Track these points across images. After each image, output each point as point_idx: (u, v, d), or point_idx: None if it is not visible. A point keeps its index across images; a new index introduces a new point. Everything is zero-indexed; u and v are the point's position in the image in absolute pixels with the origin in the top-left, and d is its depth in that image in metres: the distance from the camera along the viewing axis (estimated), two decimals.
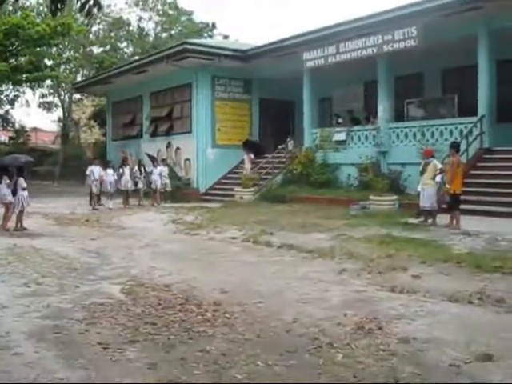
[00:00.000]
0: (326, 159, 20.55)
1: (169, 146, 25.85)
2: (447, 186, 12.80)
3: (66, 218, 16.09)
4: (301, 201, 18.39)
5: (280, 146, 22.55)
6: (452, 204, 12.74)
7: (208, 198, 21.97)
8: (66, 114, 42.90)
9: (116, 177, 20.40)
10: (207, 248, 11.09)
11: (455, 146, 13.31)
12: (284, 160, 21.71)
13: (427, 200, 13.15)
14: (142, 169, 21.61)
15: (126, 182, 20.45)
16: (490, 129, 16.14)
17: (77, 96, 43.36)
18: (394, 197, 15.96)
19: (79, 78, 39.41)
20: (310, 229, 13.15)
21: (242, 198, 19.54)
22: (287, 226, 13.62)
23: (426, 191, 13.22)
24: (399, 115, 19.97)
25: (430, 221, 13.25)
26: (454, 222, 12.58)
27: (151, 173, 21.03)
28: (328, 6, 77.07)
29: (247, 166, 22.38)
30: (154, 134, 26.99)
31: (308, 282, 7.90)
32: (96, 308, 6.52)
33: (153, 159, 23.38)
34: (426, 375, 4.52)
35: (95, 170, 19.80)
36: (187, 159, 24.16)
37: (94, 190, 19.71)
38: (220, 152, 23.47)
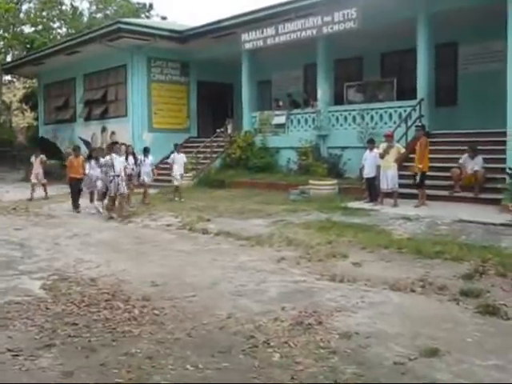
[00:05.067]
0: (265, 143, 20.19)
1: (104, 130, 24.87)
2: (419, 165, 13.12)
3: None
4: (240, 186, 17.97)
5: (218, 130, 22.03)
6: (421, 182, 13.07)
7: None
8: None
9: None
10: (140, 237, 10.53)
11: (422, 129, 14.07)
12: (223, 144, 21.21)
13: (391, 181, 13.30)
14: (132, 159, 15.44)
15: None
16: (428, 112, 16.07)
17: (7, 78, 41.42)
18: (334, 181, 15.73)
19: (9, 59, 37.60)
20: (248, 215, 12.77)
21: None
22: (225, 212, 13.20)
23: (390, 173, 13.29)
24: (339, 99, 19.78)
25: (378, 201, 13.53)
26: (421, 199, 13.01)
27: (141, 164, 15.81)
28: None
29: (36, 171, 17.83)
30: (88, 118, 25.91)
31: (245, 273, 7.49)
32: (10, 308, 5.91)
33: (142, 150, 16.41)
34: (369, 375, 4.17)
35: (117, 161, 13.43)
36: (123, 144, 23.29)
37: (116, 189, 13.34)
38: (157, 136, 22.67)
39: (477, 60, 17.55)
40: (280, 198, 15.08)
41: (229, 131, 21.78)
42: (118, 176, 13.24)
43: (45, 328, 5.27)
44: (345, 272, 7.36)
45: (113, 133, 24.17)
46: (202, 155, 20.76)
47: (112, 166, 13.25)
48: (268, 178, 18.35)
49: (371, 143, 14.09)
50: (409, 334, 5.07)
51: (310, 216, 12.31)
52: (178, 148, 16.72)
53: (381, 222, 11.33)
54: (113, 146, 14.32)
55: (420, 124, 14.85)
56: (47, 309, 5.87)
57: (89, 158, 14.50)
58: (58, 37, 40.04)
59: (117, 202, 13.38)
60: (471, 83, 17.43)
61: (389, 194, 13.48)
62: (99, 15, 43.17)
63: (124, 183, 13.44)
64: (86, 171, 14.49)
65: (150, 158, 16.41)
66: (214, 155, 20.85)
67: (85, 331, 5.17)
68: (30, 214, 13.94)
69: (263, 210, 13.31)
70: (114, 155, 13.46)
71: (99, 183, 14.06)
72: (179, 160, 16.52)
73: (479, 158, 13.38)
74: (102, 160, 13.98)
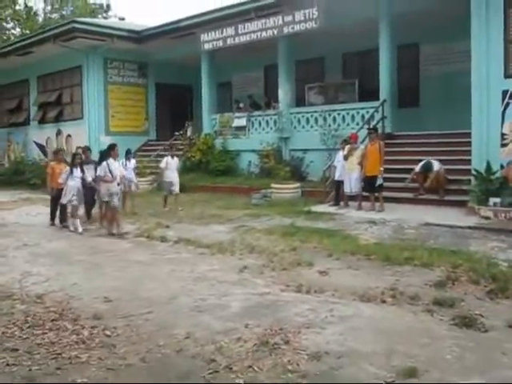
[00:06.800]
0: (225, 146, 19.73)
1: (59, 133, 24.09)
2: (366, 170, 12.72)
3: None
4: (200, 190, 17.50)
5: (177, 133, 21.49)
6: (379, 186, 12.66)
7: None
8: None
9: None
10: (95, 246, 9.95)
11: (376, 131, 13.73)
12: (182, 147, 20.68)
13: (355, 184, 12.95)
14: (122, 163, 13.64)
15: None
16: (391, 114, 15.85)
17: None
18: (297, 184, 15.38)
19: None
20: (209, 220, 12.31)
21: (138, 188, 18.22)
22: (185, 218, 12.72)
23: (354, 176, 12.95)
24: (300, 100, 19.47)
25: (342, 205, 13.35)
26: (378, 204, 12.65)
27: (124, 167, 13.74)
28: None
29: None
30: (42, 121, 25.05)
31: (205, 284, 7.01)
32: None
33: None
34: None
35: (114, 167, 11.66)
36: (79, 147, 22.50)
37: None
38: (114, 140, 21.55)
39: (438, 61, 17.45)
40: (241, 203, 14.66)
41: (188, 134, 21.27)
42: (118, 185, 11.59)
43: None
44: (311, 282, 6.95)
45: (68, 136, 23.46)
46: (161, 158, 20.13)
47: (110, 172, 11.33)
48: (229, 181, 17.92)
49: (344, 143, 13.70)
50: (383, 351, 4.68)
51: (272, 221, 11.91)
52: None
53: (346, 226, 11.00)
54: (110, 151, 11.78)
55: (372, 127, 14.47)
56: None
57: (71, 165, 12.12)
58: (12, 37, 38.87)
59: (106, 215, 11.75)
60: (433, 84, 17.35)
61: (352, 197, 13.20)
62: (55, 15, 42.14)
63: (119, 194, 11.89)
64: (60, 181, 11.94)
65: (133, 162, 14.75)
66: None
67: (26, 358, 4.62)
68: None
69: (224, 215, 12.86)
70: (111, 160, 11.52)
71: (75, 197, 11.85)
72: (173, 165, 14.91)
73: (436, 164, 13.15)
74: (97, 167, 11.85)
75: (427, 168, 13.13)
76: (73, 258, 8.95)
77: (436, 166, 13.04)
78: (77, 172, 11.90)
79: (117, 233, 11.06)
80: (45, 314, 5.80)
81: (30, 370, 4.40)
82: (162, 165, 14.97)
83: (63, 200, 11.96)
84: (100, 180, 11.54)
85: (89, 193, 12.29)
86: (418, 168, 13.25)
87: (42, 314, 5.80)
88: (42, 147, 25.03)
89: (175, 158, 15.23)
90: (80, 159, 12.27)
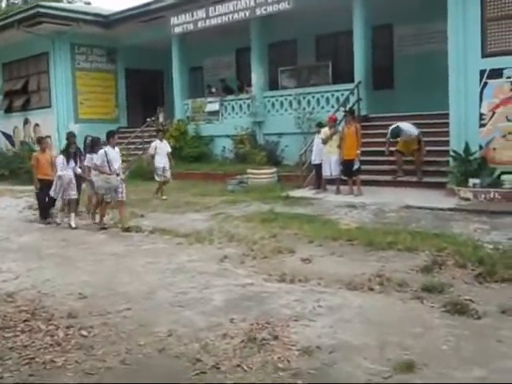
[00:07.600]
0: (198, 131, 19.36)
1: (26, 122, 23.42)
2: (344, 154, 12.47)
3: None
4: (174, 177, 17.05)
5: (149, 119, 21.02)
6: (357, 170, 12.43)
7: None
8: None
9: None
10: (68, 239, 9.56)
11: (353, 113, 13.38)
12: (154, 134, 20.20)
13: (335, 168, 12.66)
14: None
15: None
16: (366, 96, 15.63)
17: None
18: (273, 169, 15.12)
19: None
20: (185, 208, 12.01)
21: None
22: (160, 207, 12.41)
23: (334, 159, 12.65)
24: (273, 84, 19.12)
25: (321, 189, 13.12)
26: (356, 187, 12.41)
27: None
28: None
29: None
30: (8, 110, 24.28)
31: (185, 276, 6.72)
32: None
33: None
34: None
35: (112, 156, 10.60)
36: (48, 136, 21.82)
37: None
38: (84, 127, 21.12)
39: (413, 42, 17.22)
40: (217, 189, 14.36)
41: (160, 120, 20.83)
42: (118, 175, 10.44)
43: None
44: (294, 270, 6.71)
45: (36, 125, 22.85)
46: (132, 146, 19.79)
47: (107, 162, 10.29)
48: (203, 168, 17.60)
49: (320, 126, 13.45)
50: (376, 344, 4.46)
51: (250, 207, 11.65)
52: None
53: (326, 211, 10.80)
54: (109, 138, 10.64)
55: (348, 109, 14.10)
56: None
57: (64, 153, 11.21)
58: None
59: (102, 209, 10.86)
60: (408, 65, 17.12)
61: (331, 181, 12.98)
62: (18, 1, 41.09)
63: (124, 185, 10.77)
64: (59, 172, 10.94)
65: (117, 150, 11.94)
66: (146, 145, 19.83)
67: None
68: None
69: (200, 202, 12.57)
70: (108, 148, 10.44)
71: (73, 190, 11.05)
72: (163, 149, 14.09)
73: (411, 127, 12.93)
74: (93, 156, 10.79)
75: (397, 133, 12.88)
76: (44, 252, 8.57)
77: (413, 130, 12.80)
78: (71, 162, 11.09)
79: (100, 225, 10.55)
80: (16, 314, 5.45)
81: (1, 377, 4.08)
82: (151, 151, 14.31)
83: (55, 194, 11.19)
84: (96, 170, 10.63)
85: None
86: (388, 134, 12.97)
87: (13, 315, 5.45)
88: (9, 137, 24.36)
89: (164, 141, 14.61)
90: (74, 148, 11.38)
